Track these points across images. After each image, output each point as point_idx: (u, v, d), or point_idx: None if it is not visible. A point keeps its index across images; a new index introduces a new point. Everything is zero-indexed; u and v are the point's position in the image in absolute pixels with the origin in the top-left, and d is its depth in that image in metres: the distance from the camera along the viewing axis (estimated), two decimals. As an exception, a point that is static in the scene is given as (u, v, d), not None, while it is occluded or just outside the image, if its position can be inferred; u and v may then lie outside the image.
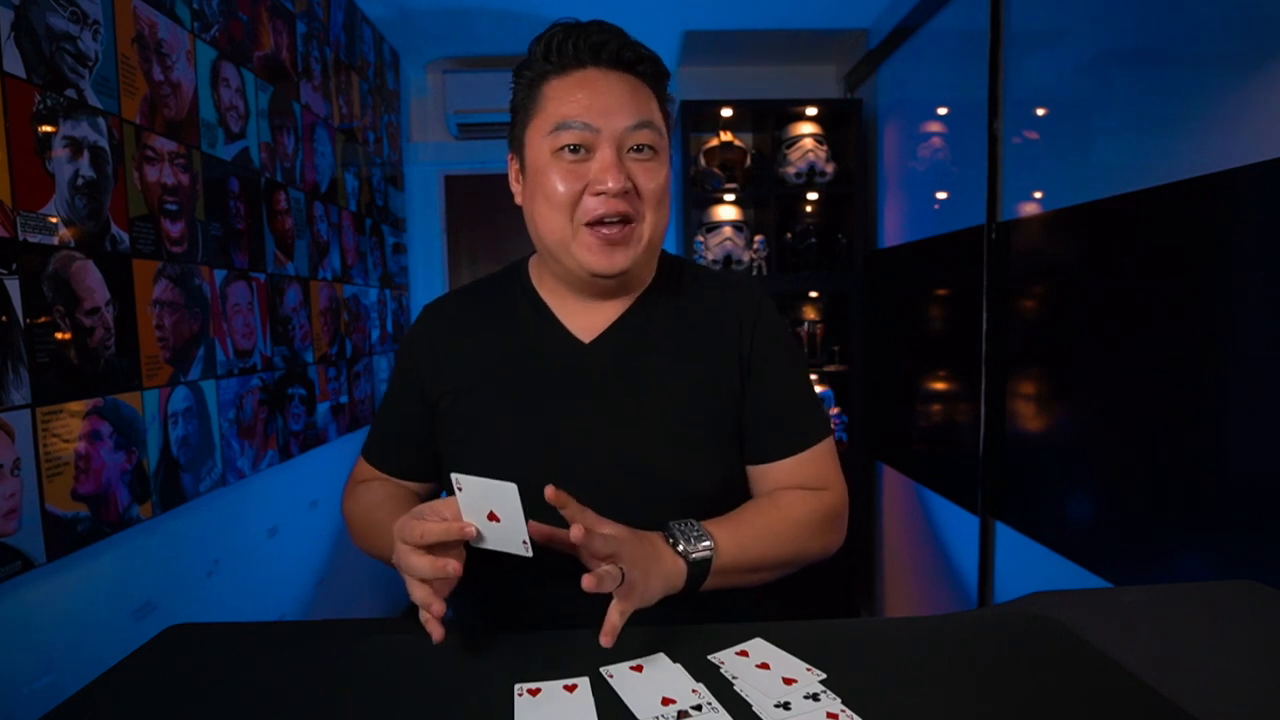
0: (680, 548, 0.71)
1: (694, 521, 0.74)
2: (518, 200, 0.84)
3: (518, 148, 0.82)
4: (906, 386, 2.30)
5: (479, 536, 0.63)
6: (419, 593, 0.63)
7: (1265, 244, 1.04)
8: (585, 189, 0.76)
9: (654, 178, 0.78)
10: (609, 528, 0.65)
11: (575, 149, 0.76)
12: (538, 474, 0.77)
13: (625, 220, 0.77)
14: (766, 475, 0.85)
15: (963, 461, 1.91)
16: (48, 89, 1.01)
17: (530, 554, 0.62)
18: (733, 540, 0.74)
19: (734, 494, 0.84)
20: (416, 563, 0.62)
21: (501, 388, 0.83)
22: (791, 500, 0.82)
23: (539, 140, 0.77)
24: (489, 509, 0.61)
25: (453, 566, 0.61)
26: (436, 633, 0.63)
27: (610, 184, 0.74)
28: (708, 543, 0.72)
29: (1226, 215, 1.11)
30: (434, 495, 0.93)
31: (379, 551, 0.80)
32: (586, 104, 0.75)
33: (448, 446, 0.85)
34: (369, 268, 2.42)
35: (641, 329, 0.84)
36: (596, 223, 0.76)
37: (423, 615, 0.63)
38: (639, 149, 0.77)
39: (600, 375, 0.82)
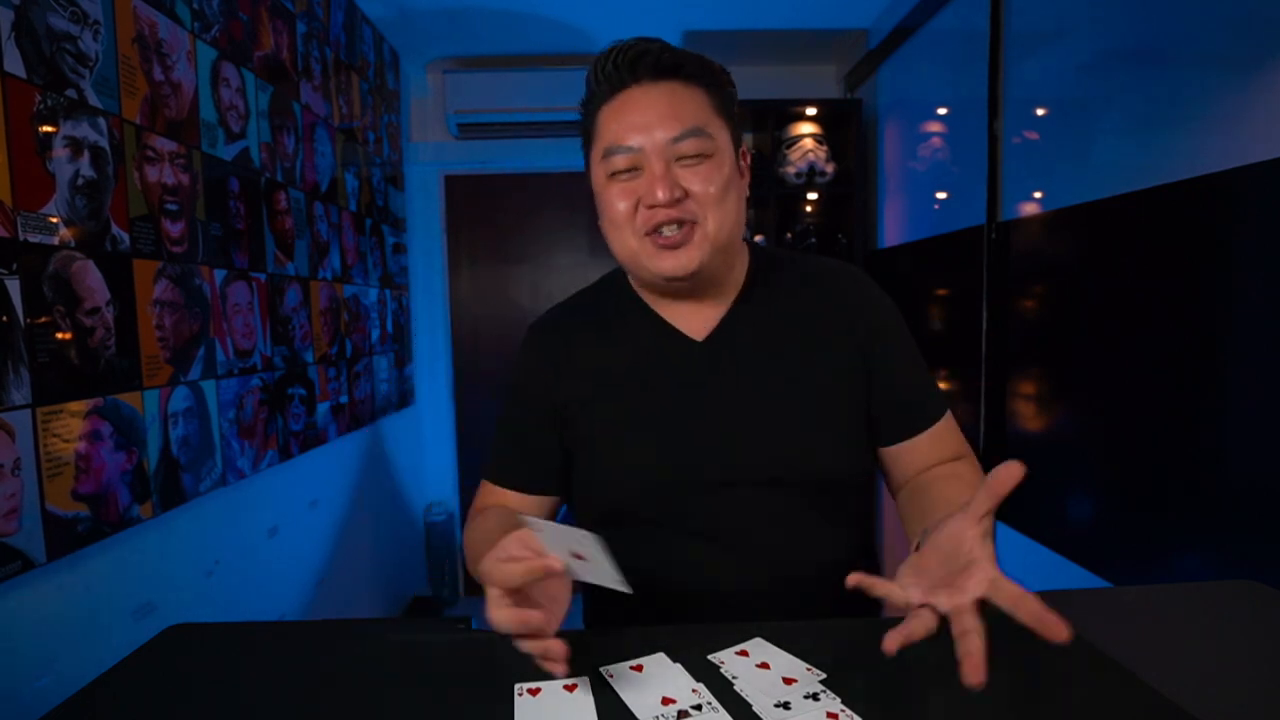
0: None
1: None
2: (600, 224, 0.85)
3: (588, 175, 0.84)
4: (906, 386, 2.29)
5: (569, 570, 0.58)
6: (526, 644, 0.58)
7: (1265, 244, 1.04)
8: (640, 202, 0.77)
9: (709, 181, 0.77)
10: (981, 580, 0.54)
11: (627, 170, 0.77)
12: (667, 475, 0.80)
13: (682, 224, 0.77)
14: (904, 454, 0.86)
15: (963, 461, 1.90)
16: (48, 89, 1.01)
17: (629, 590, 0.57)
18: None
19: (862, 479, 0.86)
20: (498, 616, 0.57)
21: (622, 393, 0.83)
22: (971, 475, 0.82)
23: (597, 166, 0.80)
24: (571, 549, 0.58)
25: (536, 618, 0.56)
26: (559, 668, 0.58)
27: (660, 195, 0.75)
28: None
29: (1226, 215, 1.11)
30: (555, 514, 0.92)
31: None
32: (628, 125, 0.77)
33: (575, 455, 0.86)
34: (369, 268, 2.42)
35: (752, 323, 0.85)
36: (654, 232, 0.77)
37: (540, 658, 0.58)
38: (689, 158, 0.77)
39: (719, 372, 0.83)
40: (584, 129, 0.84)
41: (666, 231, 0.77)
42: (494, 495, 0.90)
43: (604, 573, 0.57)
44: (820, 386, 0.82)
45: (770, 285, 0.87)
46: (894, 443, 0.86)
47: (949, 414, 0.87)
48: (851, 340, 0.84)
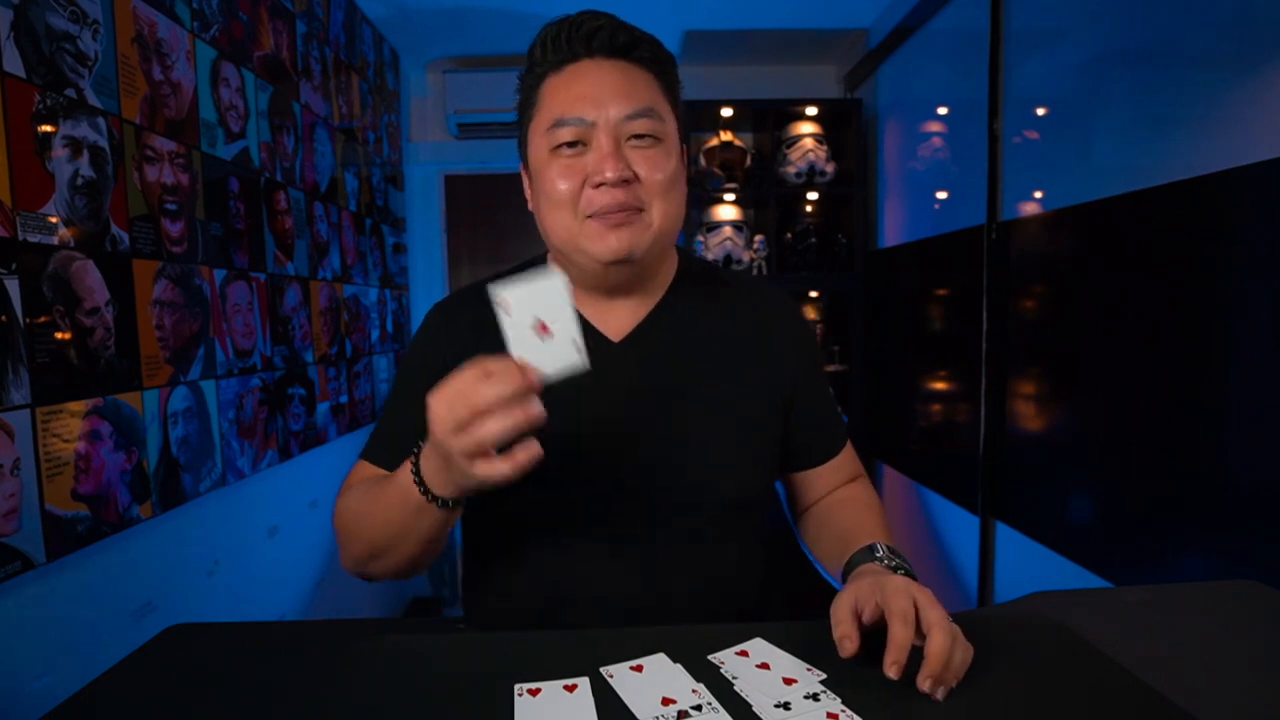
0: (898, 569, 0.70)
1: (877, 545, 0.73)
2: (530, 207, 0.82)
3: (523, 152, 0.80)
4: (907, 386, 2.30)
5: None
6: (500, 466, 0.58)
7: (1265, 244, 1.04)
8: (585, 182, 0.73)
9: (658, 167, 0.74)
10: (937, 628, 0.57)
11: (572, 144, 0.73)
12: (569, 477, 0.76)
13: (626, 210, 0.73)
14: (810, 479, 0.89)
15: (963, 461, 1.90)
16: (48, 89, 1.01)
17: (587, 363, 0.59)
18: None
19: (765, 499, 0.85)
20: (500, 467, 0.58)
21: None
22: (868, 496, 0.88)
23: (538, 140, 0.76)
24: (538, 318, 0.58)
25: (536, 450, 0.57)
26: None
27: (608, 174, 0.71)
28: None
29: (1226, 215, 1.11)
30: None
31: (384, 518, 0.71)
32: (579, 97, 0.73)
33: None
34: (369, 268, 2.42)
35: (672, 328, 0.82)
36: (595, 215, 0.73)
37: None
38: (639, 138, 0.73)
39: (632, 376, 0.79)
40: (523, 103, 0.79)
41: (611, 215, 0.73)
42: (371, 474, 0.82)
43: (564, 342, 0.58)
44: (733, 403, 0.80)
45: (696, 292, 0.84)
46: (804, 469, 0.88)
47: (849, 440, 0.92)
48: (774, 364, 0.83)
